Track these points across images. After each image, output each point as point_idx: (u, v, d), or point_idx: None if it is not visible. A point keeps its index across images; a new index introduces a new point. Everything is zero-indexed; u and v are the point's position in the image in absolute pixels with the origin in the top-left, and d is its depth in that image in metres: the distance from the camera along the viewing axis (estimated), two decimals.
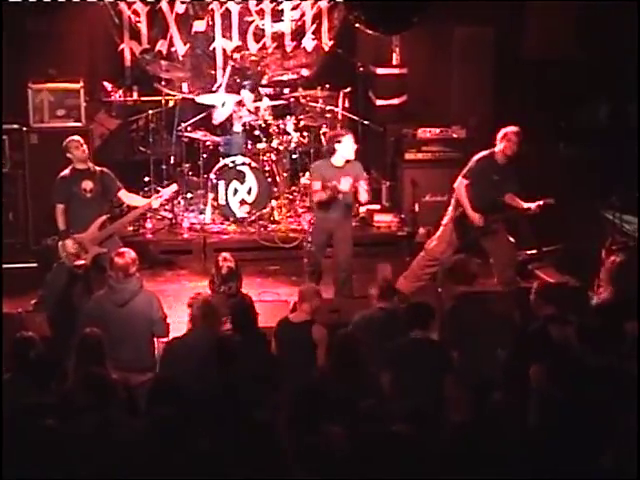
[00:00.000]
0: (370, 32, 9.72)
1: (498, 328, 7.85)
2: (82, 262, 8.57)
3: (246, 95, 12.68)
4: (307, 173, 12.75)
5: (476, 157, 10.06)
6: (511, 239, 10.17)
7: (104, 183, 9.73)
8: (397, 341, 7.38)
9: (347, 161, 9.88)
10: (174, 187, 10.43)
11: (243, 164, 11.94)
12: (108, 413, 6.13)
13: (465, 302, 8.06)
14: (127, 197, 9.96)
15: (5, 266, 10.60)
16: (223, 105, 12.66)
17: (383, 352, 7.28)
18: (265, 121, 12.49)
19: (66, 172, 9.70)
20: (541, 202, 9.90)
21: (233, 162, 11.99)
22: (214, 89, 13.17)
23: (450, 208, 10.20)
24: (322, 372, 7.21)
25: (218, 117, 12.75)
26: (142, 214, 11.25)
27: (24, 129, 11.37)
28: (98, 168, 9.78)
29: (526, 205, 9.97)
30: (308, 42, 13.71)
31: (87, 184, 9.64)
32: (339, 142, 9.87)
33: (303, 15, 13.65)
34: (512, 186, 10.03)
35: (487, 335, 7.78)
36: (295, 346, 7.76)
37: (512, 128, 9.97)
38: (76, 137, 9.73)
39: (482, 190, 9.97)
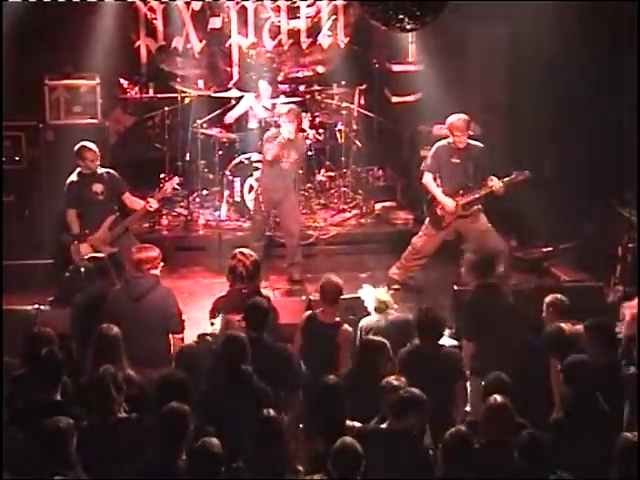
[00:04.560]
0: (385, 29, 9.71)
1: (513, 322, 7.87)
2: (101, 255, 8.58)
3: (263, 86, 12.68)
4: (322, 170, 12.81)
5: (433, 147, 10.39)
6: (490, 226, 10.21)
7: (112, 184, 9.83)
8: (408, 348, 7.33)
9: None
10: (176, 180, 10.44)
11: (258, 161, 11.93)
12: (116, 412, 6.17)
13: (482, 294, 8.07)
14: (130, 200, 9.98)
15: (21, 262, 10.66)
16: (238, 102, 12.68)
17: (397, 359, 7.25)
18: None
19: (74, 177, 9.78)
20: (504, 180, 10.10)
21: (249, 159, 12.00)
22: (229, 86, 13.18)
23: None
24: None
25: (231, 116, 12.76)
26: (158, 211, 11.42)
27: (40, 126, 11.41)
28: (104, 170, 9.84)
29: (490, 184, 10.07)
30: (324, 39, 13.70)
31: (98, 187, 9.74)
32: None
33: (319, 12, 13.64)
34: (478, 168, 10.18)
35: (502, 327, 7.81)
36: (321, 346, 7.65)
37: (458, 117, 10.03)
38: (94, 147, 9.76)
39: (445, 175, 10.28)
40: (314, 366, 7.39)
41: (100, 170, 9.81)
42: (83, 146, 9.74)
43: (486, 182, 10.12)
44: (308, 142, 11.77)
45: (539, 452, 5.69)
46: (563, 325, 7.54)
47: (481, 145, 10.29)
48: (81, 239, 9.69)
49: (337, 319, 7.80)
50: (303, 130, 12.63)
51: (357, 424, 6.23)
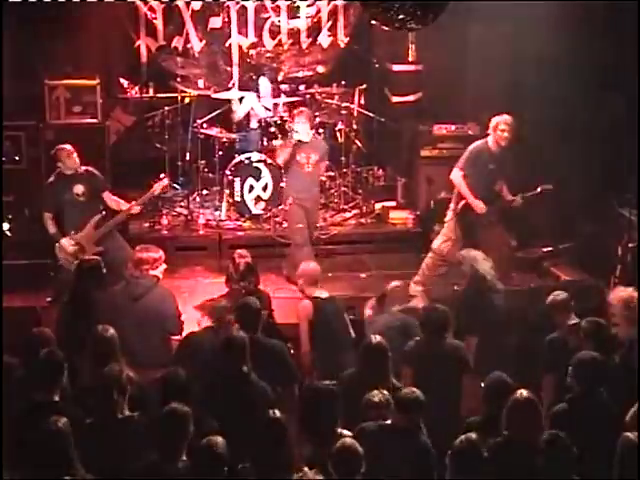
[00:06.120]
0: (386, 29, 9.72)
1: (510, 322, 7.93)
2: (94, 257, 8.57)
3: (264, 84, 12.66)
4: None
5: (471, 147, 10.23)
6: (506, 233, 10.20)
7: (92, 183, 9.77)
8: (414, 342, 7.37)
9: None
10: (165, 182, 10.36)
11: (259, 161, 11.93)
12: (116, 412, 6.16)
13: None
14: (109, 200, 9.90)
15: (21, 262, 10.65)
16: (240, 101, 12.68)
17: (402, 354, 7.28)
18: (281, 118, 12.48)
19: (52, 179, 9.77)
20: (521, 196, 10.13)
21: (249, 159, 12.00)
22: (230, 85, 13.19)
23: (451, 204, 10.30)
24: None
25: (238, 114, 12.75)
26: (156, 209, 11.58)
27: (40, 125, 11.40)
28: (83, 168, 9.80)
29: (510, 197, 10.08)
30: (324, 39, 13.70)
31: (78, 188, 9.69)
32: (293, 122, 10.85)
33: (319, 12, 13.64)
34: (505, 175, 10.21)
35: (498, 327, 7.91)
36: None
37: (503, 117, 10.00)
38: (67, 146, 9.73)
39: (478, 179, 10.13)
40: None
41: (80, 169, 9.74)
42: (58, 149, 9.73)
43: (506, 193, 10.16)
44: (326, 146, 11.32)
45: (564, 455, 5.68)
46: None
47: (512, 150, 10.15)
48: (58, 238, 9.64)
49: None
50: None
51: (347, 432, 6.17)
